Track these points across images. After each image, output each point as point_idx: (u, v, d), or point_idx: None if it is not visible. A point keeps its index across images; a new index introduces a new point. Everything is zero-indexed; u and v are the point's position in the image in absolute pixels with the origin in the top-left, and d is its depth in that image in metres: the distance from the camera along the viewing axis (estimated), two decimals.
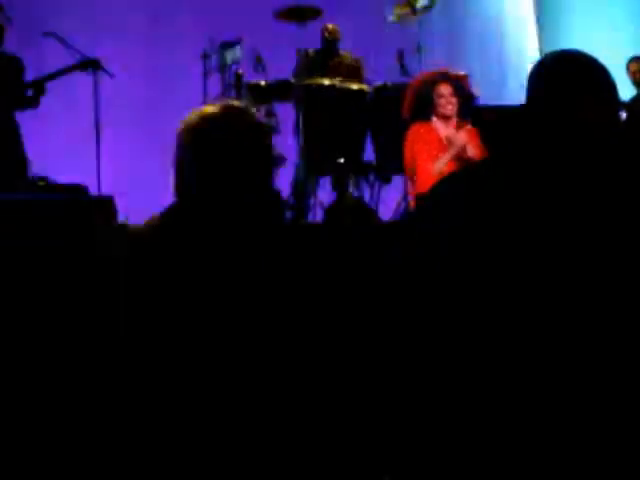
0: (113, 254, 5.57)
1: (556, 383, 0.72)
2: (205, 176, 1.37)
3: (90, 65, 7.84)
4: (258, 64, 8.55)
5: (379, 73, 8.37)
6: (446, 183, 0.87)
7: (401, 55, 8.29)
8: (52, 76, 7.62)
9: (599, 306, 0.73)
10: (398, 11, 8.42)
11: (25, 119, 7.75)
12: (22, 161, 7.54)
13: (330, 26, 8.65)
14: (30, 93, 7.65)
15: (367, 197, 8.13)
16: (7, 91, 7.50)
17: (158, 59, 9.85)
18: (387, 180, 8.13)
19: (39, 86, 7.57)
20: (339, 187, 8.07)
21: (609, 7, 11.00)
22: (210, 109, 1.81)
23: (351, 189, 8.09)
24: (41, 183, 7.50)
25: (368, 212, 7.35)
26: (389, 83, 8.09)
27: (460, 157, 6.89)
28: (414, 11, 8.38)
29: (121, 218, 6.61)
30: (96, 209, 6.62)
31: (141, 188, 9.29)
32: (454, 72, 7.40)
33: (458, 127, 7.08)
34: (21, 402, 3.76)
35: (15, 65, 7.65)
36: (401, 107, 7.45)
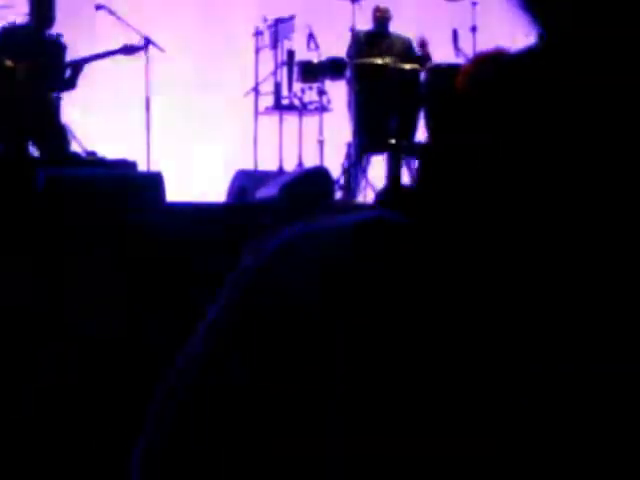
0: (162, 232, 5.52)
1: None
2: None
3: (136, 50, 7.79)
4: (311, 41, 8.48)
5: (433, 53, 8.27)
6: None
7: (455, 35, 8.20)
8: (98, 57, 7.58)
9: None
10: None
11: (76, 94, 7.73)
12: (62, 137, 7.52)
13: (381, 6, 8.58)
14: (68, 74, 7.62)
15: None
16: (50, 71, 7.49)
17: (210, 36, 9.78)
18: None
19: (76, 68, 7.54)
20: (390, 168, 8.00)
21: None
22: None
23: (403, 170, 8.01)
24: (90, 158, 7.49)
25: None
26: (443, 63, 7.99)
27: None
28: None
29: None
30: (145, 185, 6.60)
31: (189, 166, 9.26)
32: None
33: None
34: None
35: (59, 47, 7.62)
36: (455, 88, 7.33)
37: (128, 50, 7.71)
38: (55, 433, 3.40)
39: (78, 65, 7.53)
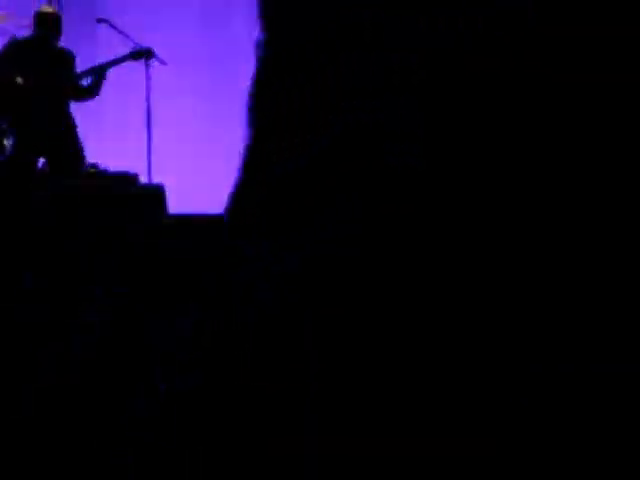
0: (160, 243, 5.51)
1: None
2: None
3: (143, 55, 7.79)
4: None
5: None
6: None
7: None
8: (105, 66, 7.58)
9: None
10: None
11: (76, 106, 7.72)
12: (79, 154, 7.51)
13: None
14: (86, 83, 7.61)
15: None
16: (63, 85, 7.48)
17: (210, 45, 9.78)
18: None
19: (99, 73, 7.53)
20: None
21: None
22: None
23: None
24: (92, 170, 7.47)
25: None
26: None
27: None
28: None
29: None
30: (147, 197, 6.60)
31: (192, 178, 9.25)
32: None
33: None
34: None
35: (68, 58, 7.62)
36: None
37: (134, 55, 7.72)
38: (55, 433, 3.41)
39: (102, 71, 7.51)
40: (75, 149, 7.45)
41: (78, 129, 7.55)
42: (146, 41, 7.98)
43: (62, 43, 7.66)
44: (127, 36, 7.90)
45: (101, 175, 7.39)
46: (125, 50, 7.77)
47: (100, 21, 8.08)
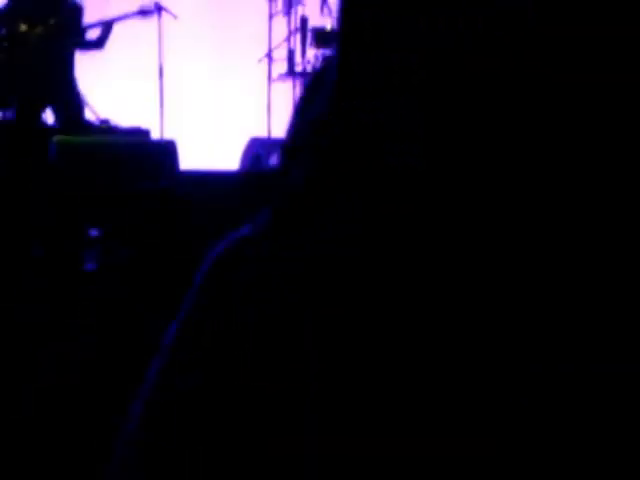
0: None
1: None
2: None
3: (151, 13, 7.76)
4: (324, 7, 8.42)
5: None
6: None
7: None
8: (113, 21, 7.54)
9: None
10: None
11: (89, 61, 7.70)
12: (78, 103, 7.49)
13: None
14: (95, 36, 7.58)
15: None
16: (67, 34, 7.44)
17: (222, 2, 9.73)
18: None
19: (106, 27, 7.49)
20: None
21: None
22: None
23: None
24: (103, 126, 7.48)
25: None
26: None
27: None
28: None
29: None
30: (159, 153, 6.59)
31: (202, 133, 9.23)
32: None
33: None
34: None
35: (75, 8, 7.57)
36: None
37: (143, 13, 7.68)
38: (55, 433, 3.42)
39: (109, 25, 7.48)
40: (75, 101, 7.44)
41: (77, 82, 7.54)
42: None
43: None
44: None
45: (113, 131, 7.40)
46: (134, 6, 7.74)
47: None
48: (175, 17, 7.99)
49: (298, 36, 8.66)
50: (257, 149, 7.99)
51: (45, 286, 4.58)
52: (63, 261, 5.04)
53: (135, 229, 5.26)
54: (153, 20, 7.87)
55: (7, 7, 7.37)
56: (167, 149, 6.65)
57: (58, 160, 6.24)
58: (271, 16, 8.85)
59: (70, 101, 7.38)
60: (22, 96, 7.21)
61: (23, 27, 7.24)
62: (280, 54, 8.81)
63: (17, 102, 7.15)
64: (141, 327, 3.95)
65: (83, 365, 3.91)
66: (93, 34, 7.54)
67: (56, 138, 6.31)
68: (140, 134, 7.30)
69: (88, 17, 7.58)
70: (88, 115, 7.59)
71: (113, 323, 4.22)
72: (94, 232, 5.19)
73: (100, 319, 4.26)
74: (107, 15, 7.57)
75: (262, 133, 8.55)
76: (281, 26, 8.77)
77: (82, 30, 7.51)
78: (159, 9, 7.89)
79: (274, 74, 8.84)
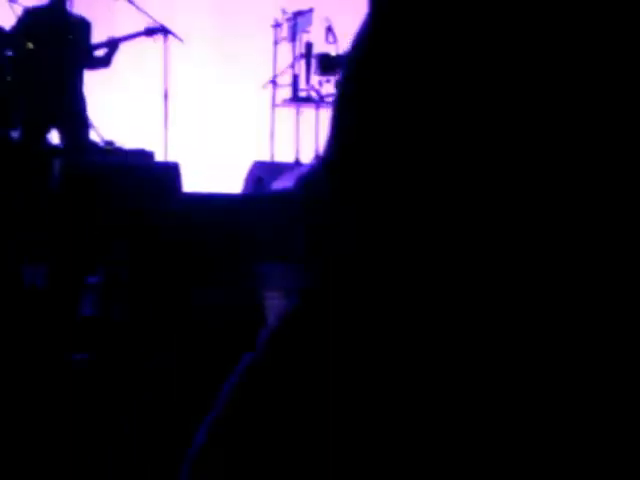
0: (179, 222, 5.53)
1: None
2: None
3: (158, 32, 7.81)
4: (329, 34, 8.48)
5: None
6: None
7: None
8: (119, 40, 7.59)
9: None
10: None
11: (95, 83, 7.75)
12: (85, 124, 7.52)
13: None
14: (101, 53, 7.62)
15: None
16: (76, 52, 7.49)
17: (228, 28, 9.79)
18: None
19: (113, 45, 7.54)
20: None
21: None
22: None
23: None
24: (108, 148, 7.50)
25: None
26: None
27: None
28: None
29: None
30: (163, 175, 6.61)
31: (206, 156, 9.27)
32: None
33: None
34: None
35: (84, 27, 7.62)
36: None
37: (150, 32, 7.73)
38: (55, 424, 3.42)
39: (115, 43, 7.52)
40: (81, 121, 7.47)
41: (86, 101, 7.57)
42: (164, 19, 8.01)
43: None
44: (145, 13, 7.93)
45: (117, 152, 7.43)
46: (141, 27, 7.79)
47: None
48: (181, 41, 8.05)
49: (303, 62, 8.72)
50: (260, 173, 8.03)
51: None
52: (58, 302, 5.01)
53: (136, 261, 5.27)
54: (159, 43, 7.92)
55: (15, 26, 7.42)
56: (171, 171, 6.67)
57: (59, 182, 6.26)
58: (276, 42, 8.91)
59: (76, 121, 7.42)
60: (28, 116, 7.25)
61: (30, 46, 7.28)
62: (285, 80, 8.86)
63: (23, 122, 7.19)
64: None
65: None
66: (100, 52, 7.59)
67: (58, 160, 6.34)
68: (144, 156, 7.33)
69: (95, 36, 7.65)
70: (93, 136, 7.63)
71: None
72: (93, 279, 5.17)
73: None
74: (114, 34, 7.62)
75: (265, 157, 8.60)
76: (286, 52, 8.83)
77: (90, 48, 7.56)
78: (165, 32, 7.94)
79: (278, 99, 8.89)
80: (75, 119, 7.43)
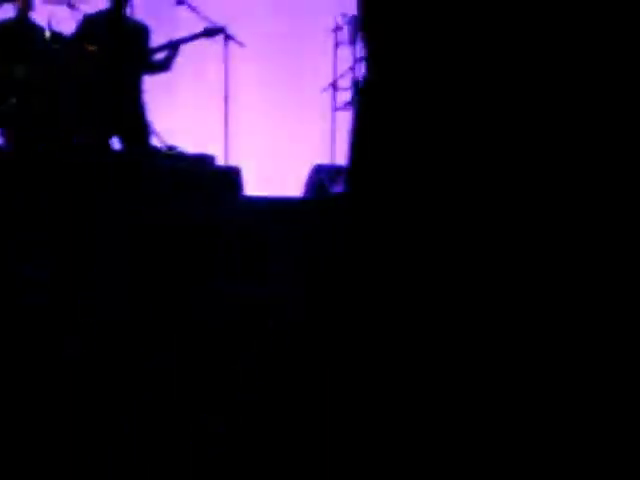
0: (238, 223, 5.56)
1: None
2: None
3: (218, 33, 7.83)
4: None
5: None
6: None
7: None
8: (179, 42, 7.62)
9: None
10: None
11: (155, 89, 7.80)
12: (146, 129, 7.58)
13: None
14: (161, 57, 7.66)
15: None
16: (135, 57, 7.54)
17: (289, 31, 9.82)
18: None
19: (173, 48, 7.57)
20: None
21: None
22: None
23: None
24: (170, 153, 7.55)
25: None
26: None
27: None
28: None
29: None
30: (224, 179, 6.64)
31: (267, 160, 9.30)
32: None
33: None
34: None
35: (143, 32, 7.67)
36: None
37: (209, 33, 7.74)
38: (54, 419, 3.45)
39: (175, 46, 7.55)
40: (143, 126, 7.52)
41: (146, 105, 7.61)
42: (225, 24, 8.03)
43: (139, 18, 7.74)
44: (205, 17, 7.96)
45: (179, 157, 7.47)
46: (201, 29, 7.82)
47: (180, 3, 8.14)
48: (242, 45, 8.08)
49: (363, 65, 8.71)
50: (321, 176, 8.03)
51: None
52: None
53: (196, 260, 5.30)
54: (219, 47, 7.95)
55: (76, 32, 7.49)
56: (232, 175, 6.71)
57: (126, 184, 6.31)
58: (336, 45, 8.92)
59: (137, 127, 7.47)
60: (90, 120, 7.31)
61: (91, 47, 7.34)
62: (345, 83, 8.87)
63: (85, 127, 7.25)
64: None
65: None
66: (159, 56, 7.63)
67: (124, 163, 6.39)
68: (206, 160, 7.37)
69: (155, 42, 7.69)
70: (154, 142, 7.68)
71: None
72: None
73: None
74: (173, 37, 7.66)
75: (326, 160, 8.61)
76: (346, 55, 8.83)
77: (149, 53, 7.61)
78: (226, 37, 7.97)
79: (339, 103, 8.90)
80: (136, 124, 7.48)
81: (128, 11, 7.61)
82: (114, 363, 3.93)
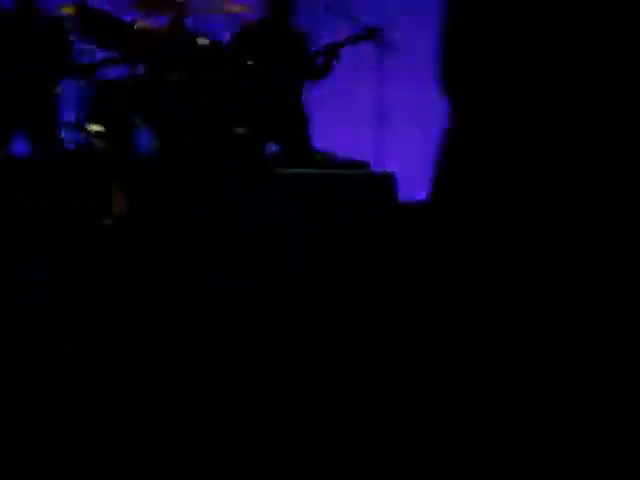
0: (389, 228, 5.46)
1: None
2: None
3: (375, 34, 7.73)
4: None
5: None
6: None
7: None
8: (337, 46, 7.56)
9: None
10: None
11: (309, 94, 7.77)
12: (304, 135, 7.56)
13: None
14: (319, 63, 7.63)
15: None
16: (292, 63, 7.53)
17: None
18: None
19: (332, 52, 7.53)
20: None
21: None
22: None
23: None
24: (323, 158, 7.51)
25: None
26: None
27: None
28: None
29: None
30: (377, 185, 6.57)
31: (421, 165, 9.17)
32: None
33: None
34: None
35: (301, 38, 7.67)
36: None
37: (366, 35, 7.66)
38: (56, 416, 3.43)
39: (334, 50, 7.52)
40: (303, 133, 7.51)
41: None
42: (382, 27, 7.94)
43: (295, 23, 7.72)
44: (358, 20, 7.88)
45: (332, 163, 7.42)
46: (356, 30, 7.74)
47: (332, 6, 8.08)
48: (395, 48, 7.96)
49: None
50: None
51: None
52: None
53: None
54: (373, 51, 7.87)
55: (233, 39, 7.53)
56: (386, 181, 6.63)
57: (280, 191, 6.31)
58: None
59: (297, 132, 7.47)
60: (249, 126, 7.33)
61: (250, 63, 7.36)
62: None
63: (246, 134, 7.27)
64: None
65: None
66: (318, 61, 7.60)
67: (277, 169, 6.39)
68: (359, 166, 7.30)
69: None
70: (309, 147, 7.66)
71: None
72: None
73: None
74: (330, 41, 7.61)
75: None
76: None
77: (307, 58, 7.58)
78: (380, 39, 7.87)
79: None
80: (296, 130, 7.48)
81: (287, 18, 7.61)
82: (114, 363, 3.94)
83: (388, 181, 6.66)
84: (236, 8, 7.64)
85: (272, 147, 7.54)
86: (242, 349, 3.74)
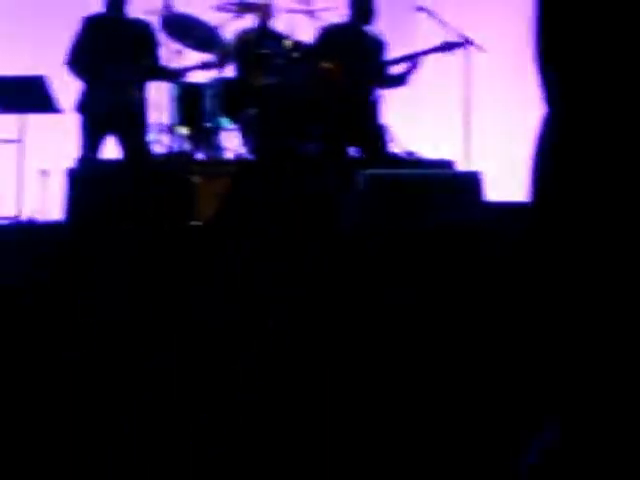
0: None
1: None
2: None
3: (457, 47, 7.71)
4: None
5: None
6: None
7: None
8: (417, 55, 7.55)
9: None
10: None
11: (396, 94, 7.78)
12: (383, 137, 7.56)
13: None
14: (399, 71, 7.64)
15: None
16: (372, 71, 7.54)
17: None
18: None
19: (411, 62, 7.53)
20: None
21: None
22: None
23: None
24: (409, 159, 7.50)
25: None
26: None
27: None
28: None
29: None
30: (464, 184, 6.53)
31: (508, 164, 9.11)
32: None
33: None
34: None
35: (379, 45, 7.68)
36: None
37: (449, 47, 7.64)
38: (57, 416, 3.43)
39: (413, 60, 7.51)
40: (378, 135, 7.51)
41: (382, 117, 7.59)
42: (466, 28, 7.91)
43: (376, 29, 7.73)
44: (446, 26, 7.84)
45: (418, 163, 7.41)
46: (442, 40, 7.71)
47: (420, 9, 8.07)
48: (483, 50, 7.91)
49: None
50: None
51: None
52: None
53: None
54: (460, 53, 7.83)
55: (312, 45, 7.56)
56: (472, 180, 6.58)
57: (366, 192, 6.30)
58: None
59: (373, 135, 7.47)
60: (327, 131, 7.35)
61: (326, 65, 7.38)
62: None
63: (322, 136, 7.30)
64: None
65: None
66: (397, 69, 7.60)
67: (364, 171, 6.39)
68: (445, 166, 7.27)
69: (396, 51, 7.66)
70: (393, 148, 7.65)
71: None
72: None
73: None
74: (411, 50, 7.61)
75: None
76: None
77: (384, 66, 7.59)
78: (467, 42, 7.83)
79: None
80: (374, 133, 7.49)
81: (370, 23, 7.62)
82: (114, 363, 3.95)
83: (475, 179, 6.62)
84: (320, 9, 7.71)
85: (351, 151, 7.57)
86: (242, 349, 3.74)
